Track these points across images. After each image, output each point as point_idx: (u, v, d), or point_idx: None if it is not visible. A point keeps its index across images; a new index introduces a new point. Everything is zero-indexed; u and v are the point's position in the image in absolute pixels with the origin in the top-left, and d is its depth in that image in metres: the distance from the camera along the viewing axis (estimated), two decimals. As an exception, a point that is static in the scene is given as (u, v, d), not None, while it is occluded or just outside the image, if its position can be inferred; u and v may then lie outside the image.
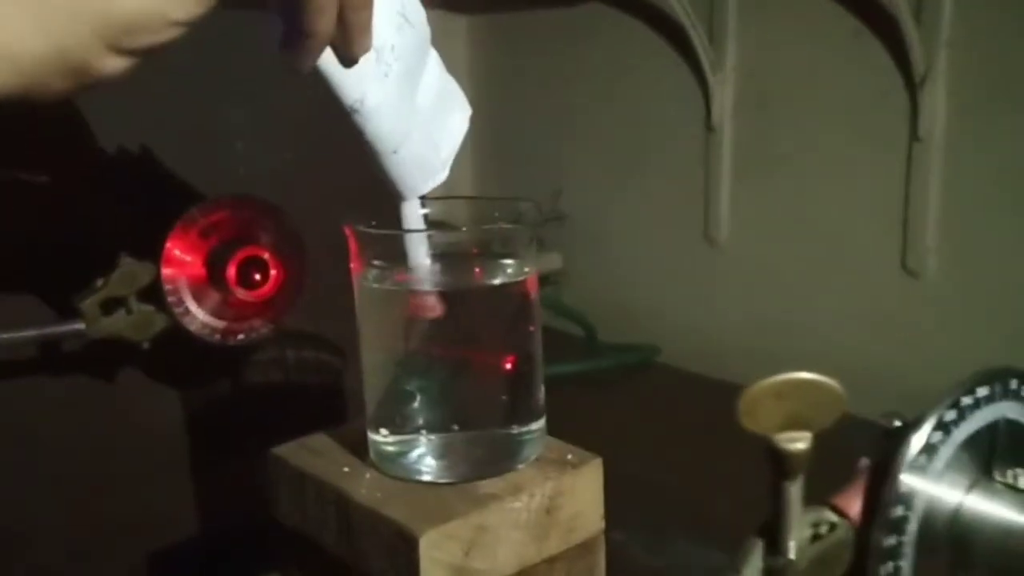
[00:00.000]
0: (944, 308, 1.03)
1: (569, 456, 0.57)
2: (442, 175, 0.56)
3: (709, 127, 1.19)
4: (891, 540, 0.36)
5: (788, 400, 0.34)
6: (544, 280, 1.29)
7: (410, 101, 0.54)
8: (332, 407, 0.72)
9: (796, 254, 1.15)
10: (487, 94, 1.40)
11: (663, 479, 0.97)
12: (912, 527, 0.37)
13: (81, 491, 0.70)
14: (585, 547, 0.57)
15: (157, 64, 0.63)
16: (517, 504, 0.54)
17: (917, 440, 0.37)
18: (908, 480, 0.37)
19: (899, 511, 0.36)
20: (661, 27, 1.22)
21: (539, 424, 0.58)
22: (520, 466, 0.56)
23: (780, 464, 0.35)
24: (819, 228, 1.12)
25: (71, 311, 0.65)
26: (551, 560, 0.55)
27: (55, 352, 0.67)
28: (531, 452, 0.57)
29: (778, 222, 1.16)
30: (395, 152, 0.53)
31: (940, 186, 1.02)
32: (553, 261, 1.29)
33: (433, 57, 0.57)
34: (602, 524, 0.58)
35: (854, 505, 0.37)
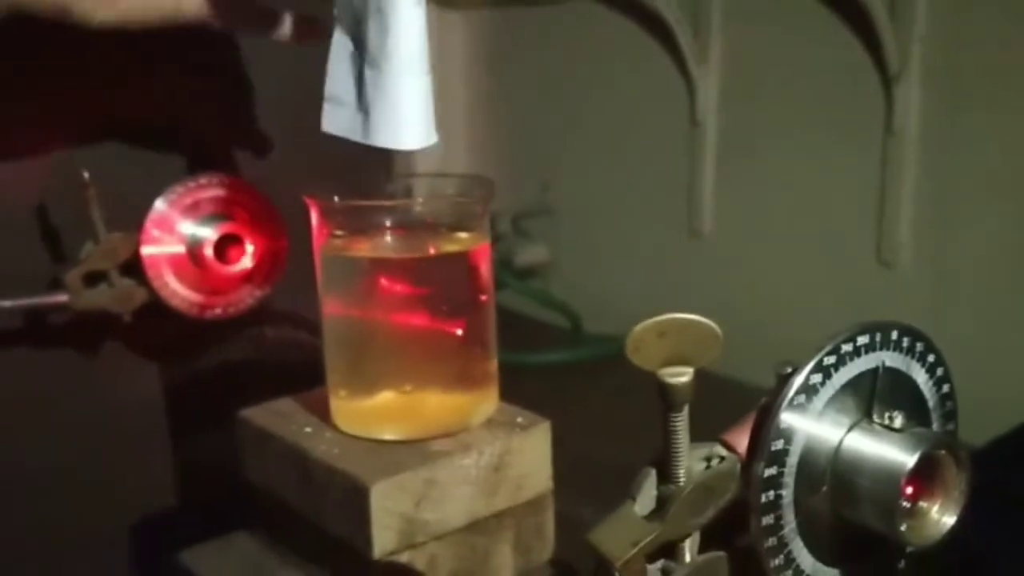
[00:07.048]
0: (917, 300, 1.05)
1: (519, 419, 0.60)
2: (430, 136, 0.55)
3: (693, 121, 1.21)
4: (771, 471, 0.39)
5: (670, 339, 0.37)
6: (531, 272, 1.32)
7: None
8: (307, 379, 0.76)
9: (776, 247, 1.16)
10: (481, 90, 1.43)
11: (638, 463, 1.00)
12: (792, 460, 0.40)
13: (65, 459, 0.73)
14: (533, 504, 0.60)
15: (133, 40, 0.66)
16: (467, 461, 0.57)
17: (796, 381, 0.40)
18: (788, 418, 0.40)
19: (779, 445, 0.39)
20: (645, 21, 1.24)
21: (491, 388, 0.61)
22: (471, 427, 0.59)
23: (666, 397, 0.38)
24: (798, 221, 1.14)
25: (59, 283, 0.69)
26: (500, 515, 0.58)
27: (42, 323, 0.71)
28: (482, 414, 0.60)
29: (759, 216, 1.18)
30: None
31: (913, 181, 1.03)
32: (540, 253, 1.32)
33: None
34: (550, 484, 0.61)
35: (742, 441, 0.41)
